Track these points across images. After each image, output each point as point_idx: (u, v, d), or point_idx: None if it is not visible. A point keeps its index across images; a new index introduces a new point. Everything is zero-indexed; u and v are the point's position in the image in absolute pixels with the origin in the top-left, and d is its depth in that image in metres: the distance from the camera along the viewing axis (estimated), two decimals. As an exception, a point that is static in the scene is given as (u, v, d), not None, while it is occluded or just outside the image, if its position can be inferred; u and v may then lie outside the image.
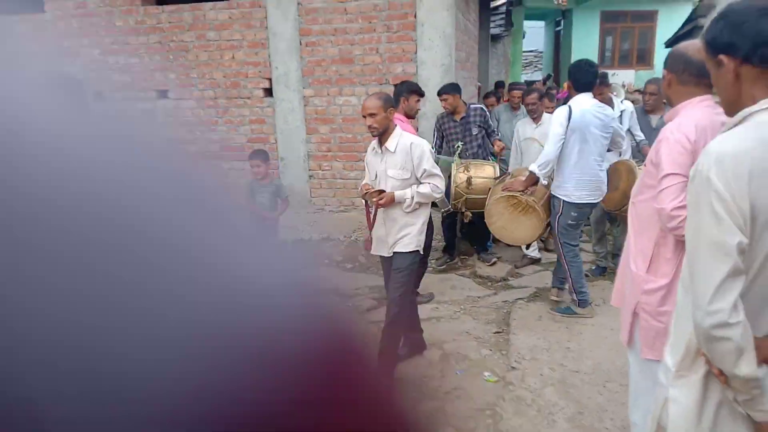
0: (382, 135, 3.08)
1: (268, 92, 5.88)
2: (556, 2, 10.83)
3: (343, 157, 5.81)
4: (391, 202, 3.11)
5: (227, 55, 5.86)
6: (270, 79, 5.80)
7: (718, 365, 1.22)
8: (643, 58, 14.74)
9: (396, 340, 3.22)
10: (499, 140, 5.01)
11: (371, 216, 3.26)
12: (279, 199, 4.41)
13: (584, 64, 3.80)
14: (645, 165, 2.15)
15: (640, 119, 4.75)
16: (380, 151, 3.15)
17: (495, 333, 3.91)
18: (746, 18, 1.23)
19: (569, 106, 3.62)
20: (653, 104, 4.67)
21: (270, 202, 4.31)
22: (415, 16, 5.27)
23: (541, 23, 17.93)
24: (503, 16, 12.66)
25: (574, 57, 14.98)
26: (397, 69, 5.44)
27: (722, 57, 1.27)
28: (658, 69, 13.95)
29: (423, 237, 3.23)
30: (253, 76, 5.87)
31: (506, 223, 4.01)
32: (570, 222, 3.77)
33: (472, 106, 5.06)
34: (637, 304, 2.09)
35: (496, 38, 12.55)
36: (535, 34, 19.25)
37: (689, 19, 10.89)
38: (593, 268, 4.89)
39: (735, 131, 1.24)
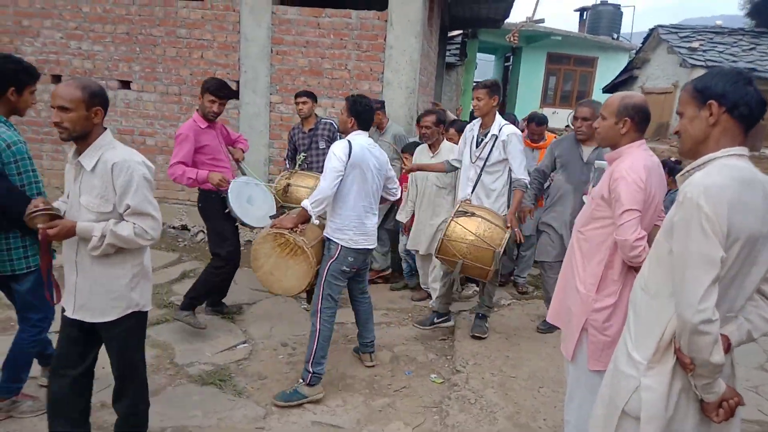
0: (80, 142, 2.18)
1: (235, 94, 5.97)
2: (507, 39, 11.51)
3: (303, 165, 5.97)
4: (68, 234, 2.16)
5: (196, 53, 5.92)
6: (237, 82, 5.90)
7: (697, 354, 1.51)
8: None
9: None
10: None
11: (44, 251, 2.29)
12: None
13: (367, 102, 3.36)
14: (592, 198, 2.45)
15: (569, 150, 4.03)
16: (73, 163, 2.23)
17: (441, 340, 4.19)
18: (737, 80, 1.59)
19: (348, 141, 3.23)
20: (586, 132, 3.84)
21: None
22: (385, 39, 5.57)
23: (492, 57, 18.85)
24: (458, 46, 13.30)
25: (521, 91, 15.87)
26: (364, 86, 5.71)
27: (713, 102, 1.60)
28: (595, 111, 15.06)
29: (139, 294, 2.32)
30: (221, 76, 5.92)
31: (273, 267, 3.37)
32: (344, 268, 3.28)
33: (322, 119, 4.91)
34: (585, 321, 2.35)
35: (450, 66, 13.12)
36: (486, 66, 20.20)
37: (625, 69, 11.88)
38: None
39: (712, 170, 1.56)
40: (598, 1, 17.39)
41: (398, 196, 3.65)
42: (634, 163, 2.29)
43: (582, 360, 2.39)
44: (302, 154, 4.80)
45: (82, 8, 5.96)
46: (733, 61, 8.50)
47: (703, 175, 1.54)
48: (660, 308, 1.62)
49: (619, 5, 17.26)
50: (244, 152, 4.32)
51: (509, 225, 3.76)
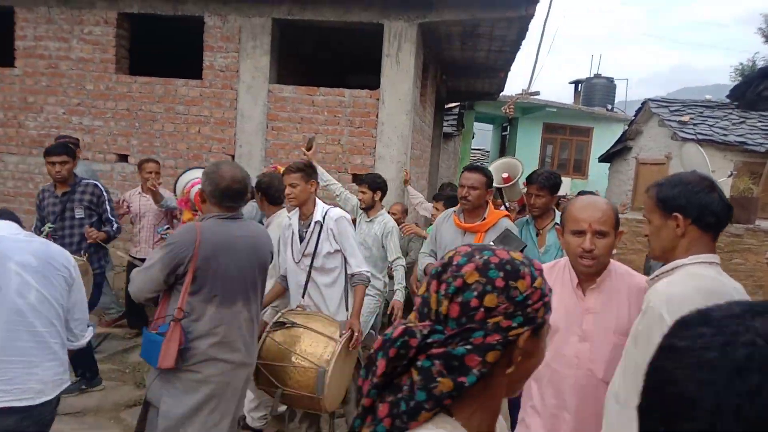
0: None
1: None
2: (503, 111, 11.83)
3: (295, 237, 5.98)
4: None
5: (194, 128, 6.07)
6: (233, 156, 6.01)
7: None
8: (579, 168, 16.07)
9: None
10: (97, 229, 3.81)
11: None
12: None
13: None
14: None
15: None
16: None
17: None
18: (699, 190, 1.55)
19: None
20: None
21: None
22: (377, 116, 5.71)
23: (490, 126, 19.31)
24: (456, 117, 13.67)
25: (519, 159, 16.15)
26: (356, 160, 5.80)
27: (677, 214, 1.56)
28: (592, 179, 15.22)
29: None
30: (217, 151, 6.07)
31: None
32: None
33: (83, 180, 3.91)
34: None
35: (448, 136, 13.44)
36: (484, 135, 20.67)
37: (620, 140, 12.10)
38: None
39: (676, 279, 1.52)
40: (592, 75, 17.99)
41: (83, 340, 2.31)
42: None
43: None
44: (49, 225, 3.74)
45: (86, 86, 6.17)
46: (724, 135, 8.65)
47: (667, 284, 1.51)
48: (630, 419, 1.53)
49: (612, 78, 17.84)
50: None
51: (345, 331, 2.82)
